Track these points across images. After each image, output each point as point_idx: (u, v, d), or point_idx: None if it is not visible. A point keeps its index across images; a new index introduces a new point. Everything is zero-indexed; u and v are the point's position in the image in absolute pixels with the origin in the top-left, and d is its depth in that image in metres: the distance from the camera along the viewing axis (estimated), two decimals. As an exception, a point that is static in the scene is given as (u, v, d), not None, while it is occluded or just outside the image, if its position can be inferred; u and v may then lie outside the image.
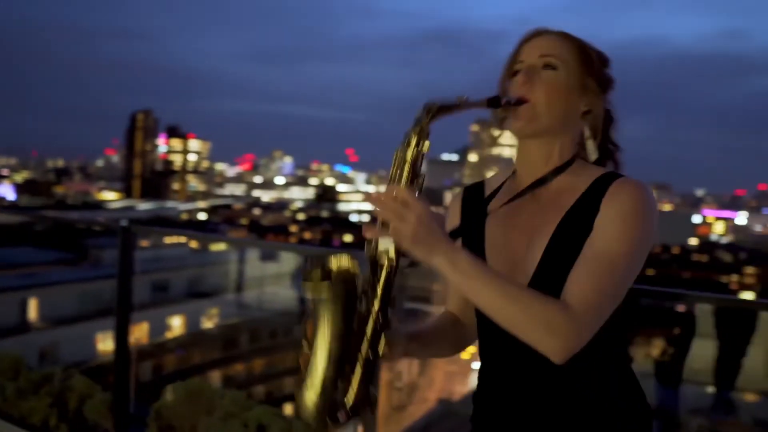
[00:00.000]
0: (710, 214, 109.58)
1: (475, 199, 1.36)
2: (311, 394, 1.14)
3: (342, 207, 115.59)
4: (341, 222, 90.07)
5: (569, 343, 1.07)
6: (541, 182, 1.25)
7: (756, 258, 76.91)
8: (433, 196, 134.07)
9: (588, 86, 1.23)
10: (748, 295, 47.16)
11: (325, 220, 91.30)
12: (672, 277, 62.14)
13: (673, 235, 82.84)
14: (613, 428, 1.20)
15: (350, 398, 1.14)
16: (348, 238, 77.26)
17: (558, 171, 1.24)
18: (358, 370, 1.13)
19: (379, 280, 1.12)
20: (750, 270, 72.88)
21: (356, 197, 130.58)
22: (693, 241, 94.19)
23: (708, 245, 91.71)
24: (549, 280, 1.15)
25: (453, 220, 1.37)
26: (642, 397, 1.25)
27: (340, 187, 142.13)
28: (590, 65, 1.23)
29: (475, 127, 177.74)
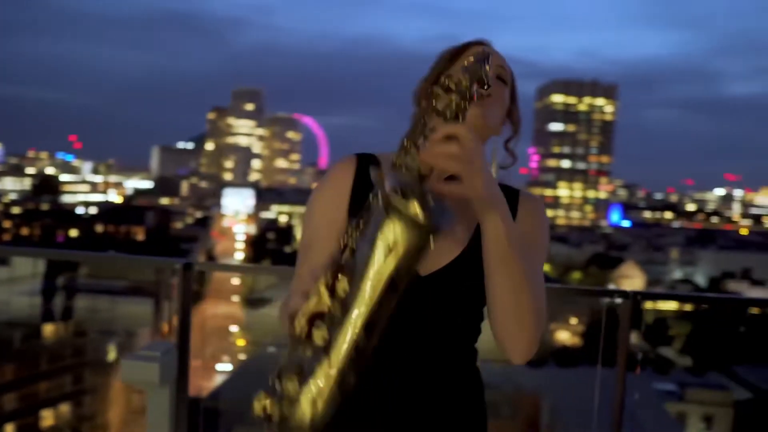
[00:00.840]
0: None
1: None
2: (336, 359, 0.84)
3: (66, 199, 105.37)
4: (65, 215, 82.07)
5: (538, 340, 1.12)
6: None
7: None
8: (169, 185, 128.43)
9: (510, 112, 1.31)
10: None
11: (46, 214, 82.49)
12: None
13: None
14: (474, 394, 1.30)
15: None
16: (74, 232, 70.65)
17: None
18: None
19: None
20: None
21: (82, 188, 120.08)
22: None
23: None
24: (476, 257, 1.16)
25: (343, 188, 1.26)
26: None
27: (63, 177, 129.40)
28: (515, 95, 1.32)
29: (211, 115, 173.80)
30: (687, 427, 16.79)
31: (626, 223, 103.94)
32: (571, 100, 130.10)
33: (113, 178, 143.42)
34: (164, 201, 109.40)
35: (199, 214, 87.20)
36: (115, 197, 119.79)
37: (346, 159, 1.30)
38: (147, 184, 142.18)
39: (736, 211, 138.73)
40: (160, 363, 2.28)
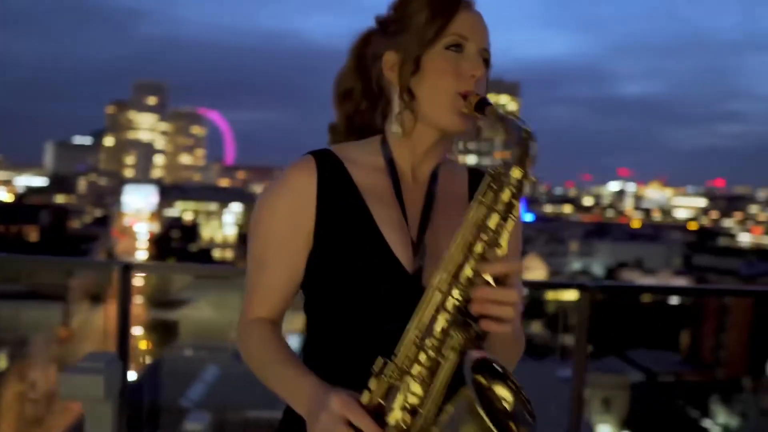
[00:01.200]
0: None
1: (334, 171, 1.14)
2: None
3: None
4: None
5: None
6: (435, 174, 1.23)
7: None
8: (65, 183, 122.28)
9: None
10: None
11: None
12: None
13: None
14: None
15: None
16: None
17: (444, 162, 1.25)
18: None
19: None
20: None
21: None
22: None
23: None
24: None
25: (304, 198, 1.12)
26: None
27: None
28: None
29: (111, 109, 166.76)
30: (588, 410, 17.63)
31: (529, 217, 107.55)
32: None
33: (2, 175, 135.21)
34: (60, 199, 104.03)
35: (98, 213, 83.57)
36: (4, 195, 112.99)
37: (304, 162, 1.14)
38: (41, 182, 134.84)
39: (628, 204, 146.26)
40: (104, 375, 2.06)
